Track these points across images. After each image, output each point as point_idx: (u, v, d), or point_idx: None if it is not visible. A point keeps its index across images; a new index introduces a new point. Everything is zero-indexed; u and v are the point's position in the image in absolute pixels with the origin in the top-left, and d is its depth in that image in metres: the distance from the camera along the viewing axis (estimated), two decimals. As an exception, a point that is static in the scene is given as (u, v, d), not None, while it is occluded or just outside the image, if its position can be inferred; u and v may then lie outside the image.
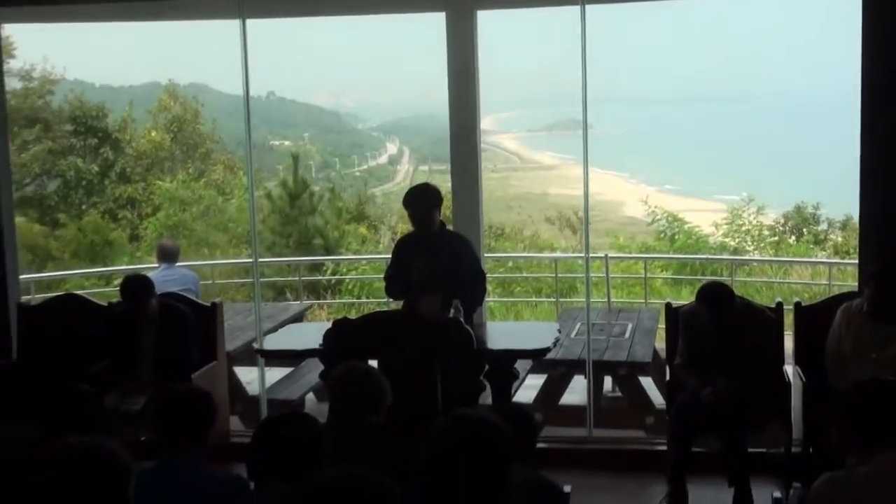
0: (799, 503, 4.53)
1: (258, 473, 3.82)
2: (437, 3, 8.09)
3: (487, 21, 8.23)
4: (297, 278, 16.90)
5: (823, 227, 23.74)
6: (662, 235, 24.10)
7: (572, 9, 7.81)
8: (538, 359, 7.99)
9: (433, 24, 8.20)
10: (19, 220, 8.42)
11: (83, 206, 23.10)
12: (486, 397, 7.14)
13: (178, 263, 10.62)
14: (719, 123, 44.19)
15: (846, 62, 7.43)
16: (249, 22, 8.26)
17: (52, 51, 23.50)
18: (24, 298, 8.81)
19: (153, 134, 25.35)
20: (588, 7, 7.76)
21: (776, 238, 23.16)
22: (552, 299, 15.28)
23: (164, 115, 26.11)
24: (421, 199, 7.54)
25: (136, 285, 7.73)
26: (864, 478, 3.93)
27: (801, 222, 24.00)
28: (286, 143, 29.33)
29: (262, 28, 8.27)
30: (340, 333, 6.99)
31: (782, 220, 24.30)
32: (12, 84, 7.59)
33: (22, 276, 8.98)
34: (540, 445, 5.42)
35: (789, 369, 7.50)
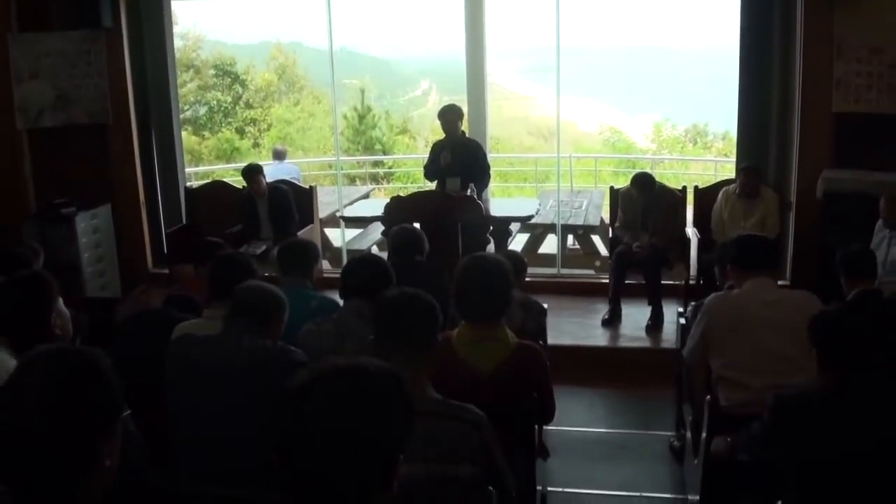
0: (693, 313, 4.55)
1: (347, 292, 3.87)
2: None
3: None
4: (364, 170, 16.87)
5: (710, 138, 23.49)
6: (607, 142, 23.97)
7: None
8: (524, 222, 7.99)
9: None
10: (182, 133, 8.49)
11: (222, 125, 23.00)
12: (490, 247, 7.18)
13: (286, 160, 10.65)
14: (648, 67, 43.43)
15: (732, 22, 7.35)
16: None
17: (199, 19, 23.30)
18: (188, 184, 8.83)
19: (266, 76, 25.11)
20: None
21: (681, 144, 22.95)
22: (533, 184, 15.20)
23: (273, 62, 25.83)
24: (449, 114, 7.53)
25: (251, 168, 7.85)
26: (740, 293, 4.00)
27: (696, 135, 23.74)
28: (354, 81, 28.94)
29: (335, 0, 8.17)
30: (395, 205, 7.03)
31: (684, 133, 24.04)
32: (176, 43, 7.59)
33: (186, 170, 8.99)
34: (527, 279, 5.46)
35: (689, 230, 7.54)
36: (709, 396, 3.88)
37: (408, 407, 1.74)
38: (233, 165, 16.31)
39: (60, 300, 3.08)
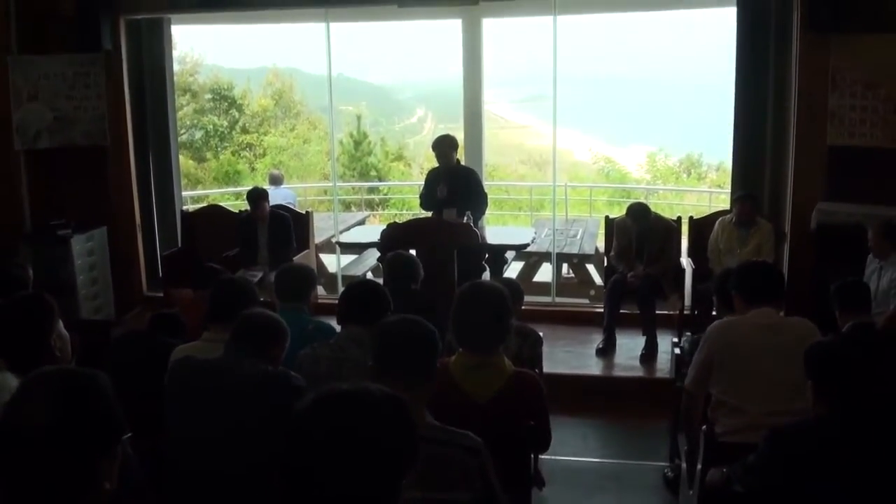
0: (690, 345, 4.56)
1: (344, 318, 3.87)
2: (455, 13, 8.04)
3: (490, 25, 8.20)
4: (359, 196, 16.90)
5: (705, 168, 23.59)
6: (602, 172, 24.06)
7: (548, 18, 7.79)
8: (520, 251, 8.02)
9: (452, 27, 8.19)
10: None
11: (218, 149, 23.04)
12: (486, 274, 7.19)
13: (282, 186, 10.68)
14: (642, 97, 43.67)
15: (727, 59, 7.41)
16: (332, 25, 8.25)
17: (196, 43, 23.41)
18: (184, 208, 8.84)
19: (263, 101, 25.19)
20: (558, 17, 7.75)
21: (675, 175, 23.05)
22: (528, 213, 15.24)
23: (269, 87, 25.93)
24: (445, 144, 7.56)
25: (257, 192, 7.84)
26: (743, 321, 3.99)
27: (690, 165, 23.84)
28: (350, 107, 29.01)
29: (334, 28, 8.25)
30: (391, 231, 7.04)
31: (679, 164, 24.14)
32: (174, 67, 7.64)
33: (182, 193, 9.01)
34: (523, 307, 5.46)
35: (684, 260, 7.56)
36: (705, 426, 3.89)
37: (413, 433, 1.74)
38: (230, 190, 16.36)
39: (60, 322, 3.09)
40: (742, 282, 4.13)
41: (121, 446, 1.86)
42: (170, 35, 8.37)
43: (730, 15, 7.31)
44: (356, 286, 4.10)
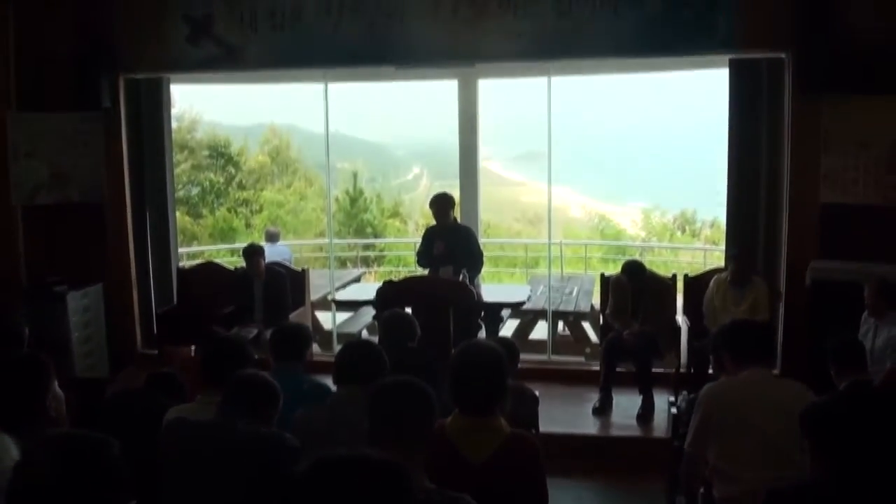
0: (686, 404, 4.54)
1: (339, 379, 3.85)
2: (452, 74, 8.13)
3: (485, 85, 8.28)
4: (355, 253, 16.92)
5: (699, 225, 23.68)
6: (596, 229, 24.15)
7: (542, 79, 7.88)
8: (516, 308, 8.02)
9: (449, 87, 8.27)
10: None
11: (214, 205, 23.13)
12: (482, 332, 7.18)
13: (278, 243, 10.69)
14: (637, 154, 44.05)
15: (720, 116, 7.48)
16: (330, 85, 8.35)
17: (194, 101, 23.61)
18: (180, 264, 8.84)
19: (260, 157, 25.34)
20: (553, 79, 7.84)
21: (670, 232, 23.13)
22: (523, 270, 15.26)
23: (267, 145, 26.10)
24: (442, 202, 7.60)
25: (252, 249, 7.86)
26: (736, 383, 3.98)
27: (684, 222, 23.93)
28: (346, 164, 29.17)
29: (332, 88, 8.34)
30: (387, 289, 7.04)
31: (673, 220, 24.23)
32: (171, 124, 7.74)
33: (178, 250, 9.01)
34: (518, 366, 5.44)
35: (680, 318, 7.56)
36: (703, 489, 3.85)
37: (410, 499, 1.73)
38: (225, 246, 16.36)
39: (56, 382, 3.08)
40: (731, 342, 4.13)
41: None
42: (169, 94, 8.44)
43: (723, 76, 7.41)
44: (352, 346, 4.09)
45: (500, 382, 3.24)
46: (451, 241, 7.50)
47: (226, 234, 21.03)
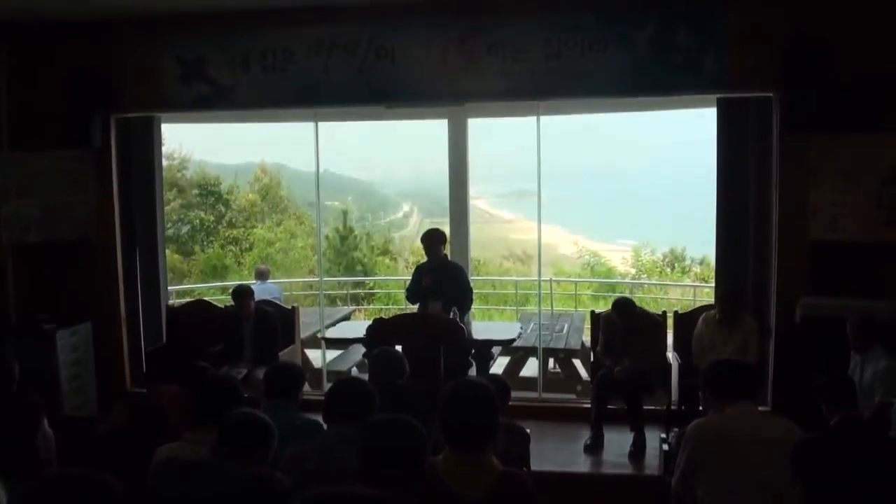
0: (677, 441, 4.53)
1: (330, 416, 3.84)
2: (442, 113, 8.16)
3: (475, 124, 8.32)
4: (345, 291, 16.89)
5: (688, 262, 23.73)
6: (586, 266, 24.18)
7: (531, 118, 7.92)
8: (506, 346, 8.02)
9: (438, 125, 8.30)
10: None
11: (204, 243, 23.13)
12: (472, 370, 7.16)
13: (268, 280, 10.68)
14: (626, 192, 44.35)
15: (709, 154, 7.53)
16: (320, 124, 8.38)
17: (185, 140, 23.69)
18: (170, 302, 8.82)
19: (250, 196, 25.38)
20: (542, 118, 7.88)
21: (659, 269, 23.17)
22: (513, 307, 15.26)
23: (257, 183, 26.16)
24: (433, 238, 7.63)
25: (242, 291, 7.82)
26: (722, 419, 3.98)
27: (674, 259, 23.97)
28: (336, 203, 29.23)
29: (322, 127, 8.37)
30: (377, 327, 7.03)
31: (663, 258, 24.28)
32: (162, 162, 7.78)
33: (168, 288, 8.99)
34: (509, 403, 5.43)
35: (670, 354, 7.55)
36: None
37: None
38: (216, 284, 16.34)
39: (45, 422, 3.05)
40: (714, 381, 4.15)
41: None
42: (159, 133, 8.46)
43: (711, 115, 7.46)
44: (342, 384, 4.08)
45: (491, 419, 3.23)
46: (441, 276, 7.52)
47: (217, 272, 21.01)
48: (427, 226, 8.24)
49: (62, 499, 1.77)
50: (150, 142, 8.34)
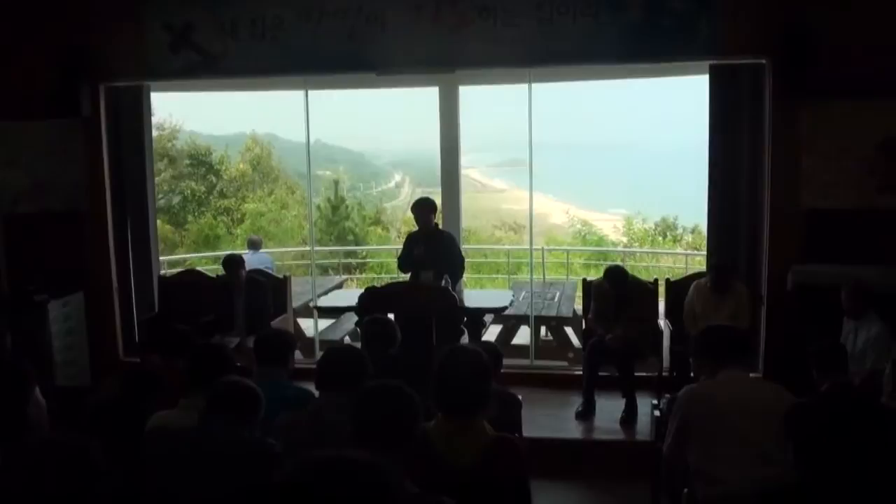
0: (668, 407, 4.54)
1: (322, 384, 3.84)
2: (433, 80, 8.11)
3: (466, 92, 8.28)
4: (337, 261, 16.88)
5: (680, 231, 23.75)
6: (578, 235, 24.21)
7: (523, 85, 7.88)
8: (498, 314, 8.02)
9: (430, 94, 8.26)
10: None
11: (195, 214, 23.08)
12: (464, 338, 7.17)
13: (261, 250, 10.66)
14: (618, 161, 44.28)
15: (701, 123, 7.50)
16: (310, 92, 8.33)
17: (175, 110, 23.57)
18: (162, 272, 8.80)
19: (241, 166, 25.31)
20: (533, 85, 7.84)
21: (651, 237, 23.19)
22: (505, 276, 15.29)
23: (248, 153, 26.07)
24: (423, 206, 7.62)
25: (233, 260, 7.80)
26: (713, 385, 3.99)
27: (666, 228, 23.98)
28: (328, 173, 29.15)
29: (312, 95, 8.31)
30: (369, 296, 7.02)
31: (654, 227, 24.29)
32: (152, 133, 7.70)
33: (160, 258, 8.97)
34: (501, 371, 5.43)
35: (662, 322, 7.57)
36: (686, 489, 3.85)
37: (395, 499, 1.72)
38: (208, 254, 16.30)
39: (37, 389, 3.05)
40: (705, 348, 4.16)
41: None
42: (149, 102, 8.40)
43: (703, 82, 7.44)
44: (334, 351, 4.08)
45: (484, 385, 3.23)
46: (433, 245, 7.50)
47: (210, 242, 20.98)
48: (419, 196, 8.20)
49: (37, 462, 1.76)
50: (139, 111, 8.27)
